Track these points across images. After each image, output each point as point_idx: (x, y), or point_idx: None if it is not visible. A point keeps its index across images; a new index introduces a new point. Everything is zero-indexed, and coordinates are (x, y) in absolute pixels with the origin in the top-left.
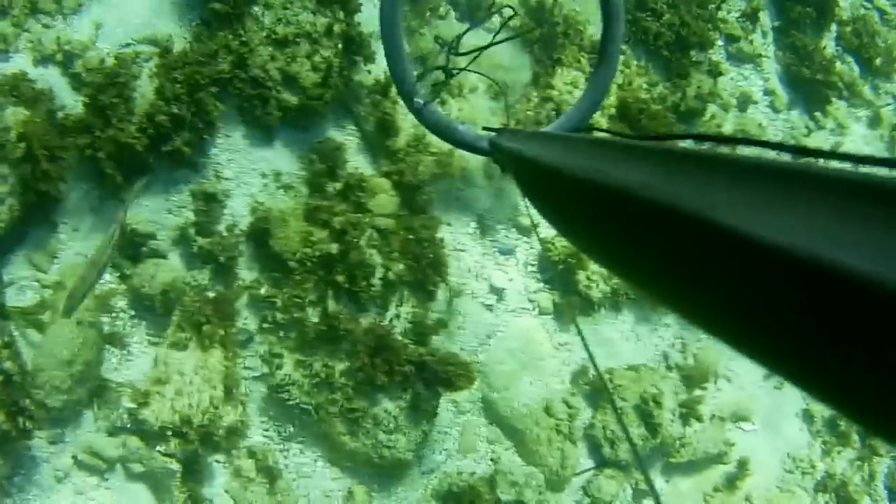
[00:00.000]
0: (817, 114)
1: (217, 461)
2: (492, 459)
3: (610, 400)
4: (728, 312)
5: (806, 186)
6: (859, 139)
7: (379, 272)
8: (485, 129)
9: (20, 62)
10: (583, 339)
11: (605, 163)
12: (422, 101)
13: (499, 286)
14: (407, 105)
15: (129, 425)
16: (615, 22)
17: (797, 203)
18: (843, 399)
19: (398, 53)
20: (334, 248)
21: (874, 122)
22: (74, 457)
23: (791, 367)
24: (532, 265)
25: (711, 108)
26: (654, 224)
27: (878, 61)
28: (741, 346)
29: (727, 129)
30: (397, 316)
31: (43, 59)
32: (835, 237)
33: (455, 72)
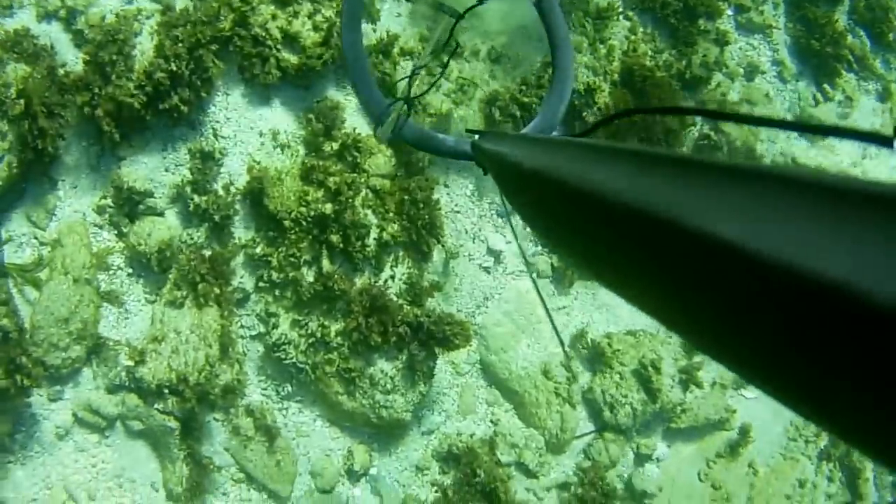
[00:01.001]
0: (825, 86)
1: (216, 419)
2: (491, 421)
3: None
4: (703, 321)
5: (788, 192)
6: (868, 112)
7: (374, 232)
8: (468, 131)
9: (24, 18)
10: (544, 303)
11: (581, 166)
12: (398, 123)
13: (497, 248)
14: (378, 130)
15: (127, 383)
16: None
17: (778, 209)
18: (823, 416)
19: (366, 81)
20: (329, 207)
21: (884, 95)
22: (74, 414)
23: (766, 381)
24: (526, 228)
25: (717, 77)
26: (628, 228)
27: (890, 36)
28: (719, 356)
29: (733, 98)
30: (392, 277)
31: (47, 15)
32: (816, 245)
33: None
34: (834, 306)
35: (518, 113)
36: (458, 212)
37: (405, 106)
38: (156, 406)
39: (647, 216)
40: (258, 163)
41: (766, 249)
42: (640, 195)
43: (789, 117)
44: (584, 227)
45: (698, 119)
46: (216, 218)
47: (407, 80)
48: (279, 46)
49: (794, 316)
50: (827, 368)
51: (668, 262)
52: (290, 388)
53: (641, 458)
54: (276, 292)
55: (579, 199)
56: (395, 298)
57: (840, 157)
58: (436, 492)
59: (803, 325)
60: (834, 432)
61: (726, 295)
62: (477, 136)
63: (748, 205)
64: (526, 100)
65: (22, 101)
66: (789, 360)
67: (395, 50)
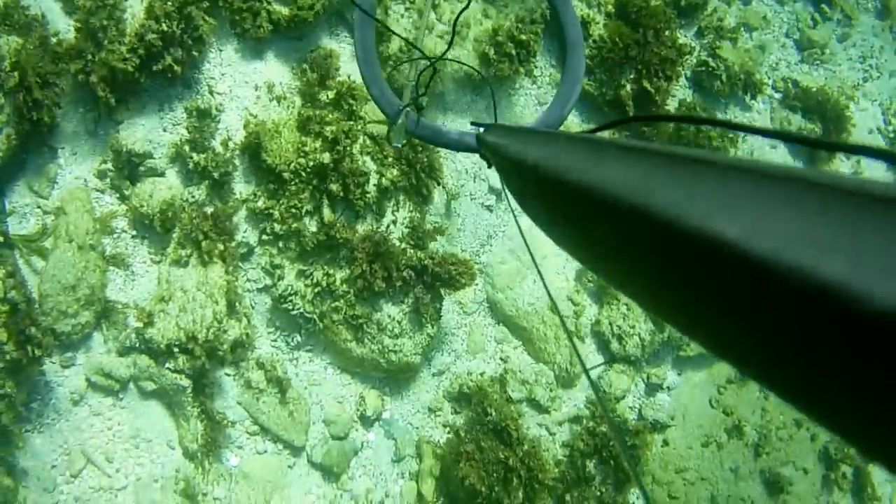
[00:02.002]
0: (823, 5)
1: (227, 374)
2: (501, 359)
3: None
4: (702, 319)
5: (789, 192)
6: (868, 31)
7: (373, 179)
8: (472, 123)
9: None
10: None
11: (584, 161)
12: (412, 120)
13: (498, 187)
14: (391, 136)
15: (137, 344)
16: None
17: (778, 209)
18: (822, 415)
19: (377, 81)
20: (327, 157)
21: (884, 13)
22: (88, 379)
23: (765, 379)
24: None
25: (713, 2)
26: (629, 225)
27: None
28: (717, 352)
29: (729, 23)
30: (394, 222)
31: None
32: (816, 245)
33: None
34: (832, 307)
35: (514, 51)
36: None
37: (414, 108)
38: (167, 365)
39: (648, 214)
40: (255, 116)
41: (765, 249)
42: (642, 193)
43: (787, 40)
44: (585, 223)
45: (696, 47)
46: (216, 175)
47: (413, 84)
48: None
49: (793, 316)
50: (825, 368)
51: (668, 260)
52: (299, 339)
53: (652, 388)
54: (280, 244)
55: (581, 195)
56: (397, 243)
57: (843, 77)
58: (448, 433)
59: (802, 325)
60: (832, 431)
61: (726, 294)
62: (482, 129)
63: (749, 204)
64: (524, 37)
65: (16, 74)
66: (788, 359)
67: None
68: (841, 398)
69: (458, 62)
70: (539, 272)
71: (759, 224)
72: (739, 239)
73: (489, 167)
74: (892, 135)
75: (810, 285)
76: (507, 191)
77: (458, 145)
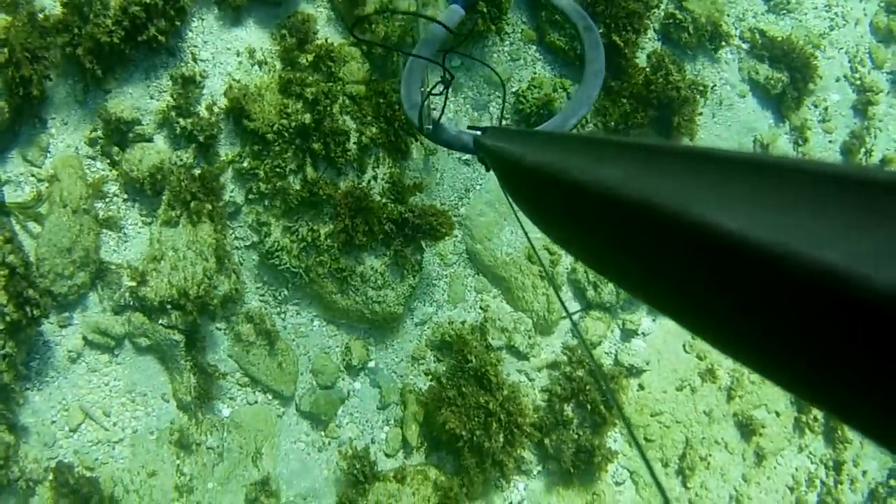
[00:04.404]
0: None
1: (218, 329)
2: (481, 308)
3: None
4: (705, 310)
5: (787, 181)
6: None
7: (354, 137)
8: (470, 127)
9: None
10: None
11: (583, 159)
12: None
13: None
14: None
15: (131, 303)
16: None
17: (778, 199)
18: (825, 400)
19: (412, 92)
20: (308, 118)
21: None
22: (84, 337)
23: (767, 367)
24: (506, 118)
25: None
26: (631, 220)
27: None
28: (718, 343)
29: None
30: (375, 178)
31: None
32: (816, 232)
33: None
34: (833, 292)
35: (485, 9)
36: (434, 108)
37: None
38: (160, 322)
39: (649, 208)
40: (237, 81)
41: (767, 238)
42: (642, 188)
43: None
44: (586, 220)
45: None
46: (201, 138)
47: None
48: None
49: (795, 302)
50: (828, 353)
51: (670, 253)
52: (286, 293)
53: (627, 334)
54: (266, 202)
55: (582, 192)
56: (378, 198)
57: (809, 26)
58: (431, 380)
59: (804, 311)
60: (834, 415)
61: (729, 284)
62: (480, 133)
63: (749, 195)
64: None
65: (6, 50)
66: (791, 345)
67: None
68: (843, 381)
69: (475, 59)
70: (518, 218)
71: (760, 215)
72: (741, 230)
73: (487, 170)
74: (858, 82)
75: (812, 271)
76: (506, 192)
77: (454, 145)
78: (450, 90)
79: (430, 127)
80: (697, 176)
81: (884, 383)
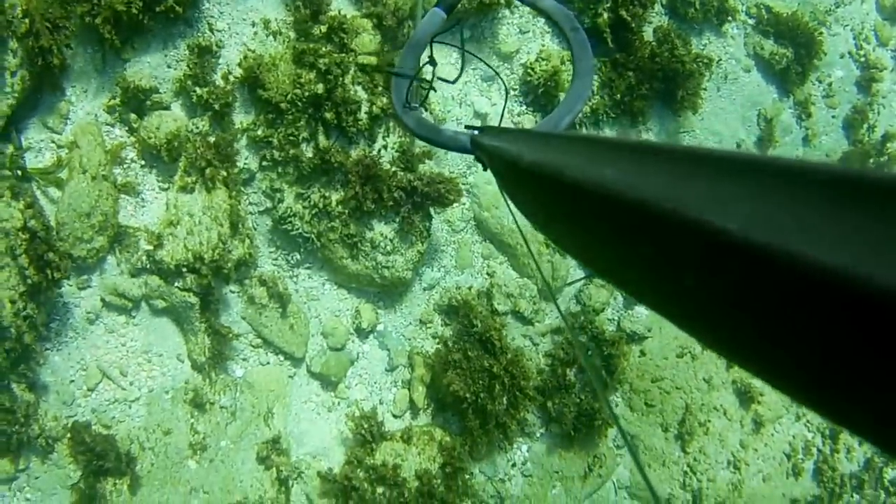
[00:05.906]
0: None
1: (231, 291)
2: (487, 273)
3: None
4: (704, 311)
5: (787, 181)
6: None
7: (365, 107)
8: (467, 127)
9: None
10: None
11: (580, 159)
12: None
13: (483, 111)
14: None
15: (148, 266)
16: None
17: (778, 199)
18: (824, 403)
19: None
20: (321, 87)
21: None
22: (102, 299)
23: (766, 370)
24: (514, 89)
25: None
26: (629, 220)
27: None
28: (717, 346)
29: None
30: (385, 147)
31: None
32: (816, 233)
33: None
34: (834, 291)
35: None
36: (444, 79)
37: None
38: (176, 284)
39: (648, 208)
40: (252, 51)
41: (767, 238)
42: (640, 187)
43: None
44: (584, 220)
45: None
46: (217, 107)
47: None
48: None
49: (795, 302)
50: (827, 353)
51: (668, 254)
52: (298, 257)
53: (630, 302)
54: (279, 169)
55: (579, 192)
56: (388, 166)
57: (815, 2)
58: (437, 343)
59: (804, 310)
60: (831, 417)
61: (728, 284)
62: (476, 132)
63: (748, 195)
64: None
65: (27, 20)
66: (790, 346)
67: None
68: (842, 382)
69: (477, 57)
70: (516, 220)
71: (759, 215)
72: (740, 230)
73: (484, 170)
74: (863, 59)
75: (813, 271)
76: (503, 192)
77: (449, 145)
78: (464, 63)
79: (412, 115)
80: (695, 175)
81: (883, 384)
